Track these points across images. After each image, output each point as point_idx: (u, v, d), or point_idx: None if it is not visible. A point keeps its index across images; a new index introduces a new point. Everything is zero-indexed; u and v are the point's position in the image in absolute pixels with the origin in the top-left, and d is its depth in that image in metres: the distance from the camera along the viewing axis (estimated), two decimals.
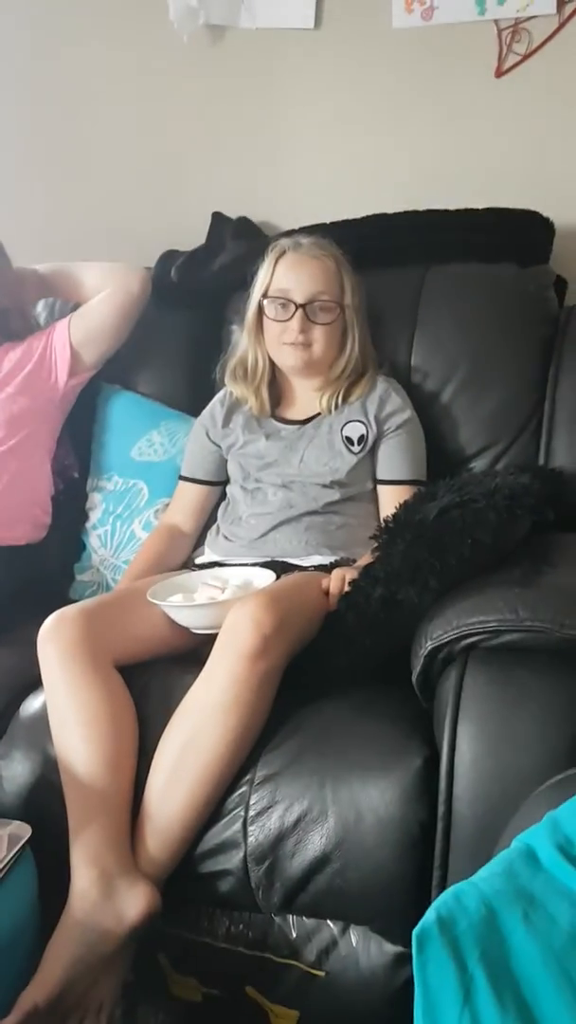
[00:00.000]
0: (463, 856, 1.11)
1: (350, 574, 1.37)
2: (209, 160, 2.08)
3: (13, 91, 2.18)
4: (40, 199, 2.24)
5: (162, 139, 2.11)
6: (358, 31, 1.91)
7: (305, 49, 1.95)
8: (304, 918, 1.26)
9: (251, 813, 1.23)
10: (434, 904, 0.80)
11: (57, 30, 2.12)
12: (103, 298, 1.84)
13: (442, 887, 1.13)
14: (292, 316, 1.61)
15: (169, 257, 1.97)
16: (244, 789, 1.24)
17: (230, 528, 1.67)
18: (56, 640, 1.35)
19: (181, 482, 1.78)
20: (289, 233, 1.77)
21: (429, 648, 1.16)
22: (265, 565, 1.54)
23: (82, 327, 1.83)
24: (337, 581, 1.38)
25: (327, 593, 1.38)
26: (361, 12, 1.89)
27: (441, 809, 1.12)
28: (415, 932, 0.78)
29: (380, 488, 1.64)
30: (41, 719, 1.35)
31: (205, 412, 1.77)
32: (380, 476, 1.64)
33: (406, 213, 1.82)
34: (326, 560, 1.55)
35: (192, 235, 2.00)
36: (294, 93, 1.99)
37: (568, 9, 1.81)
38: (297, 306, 1.61)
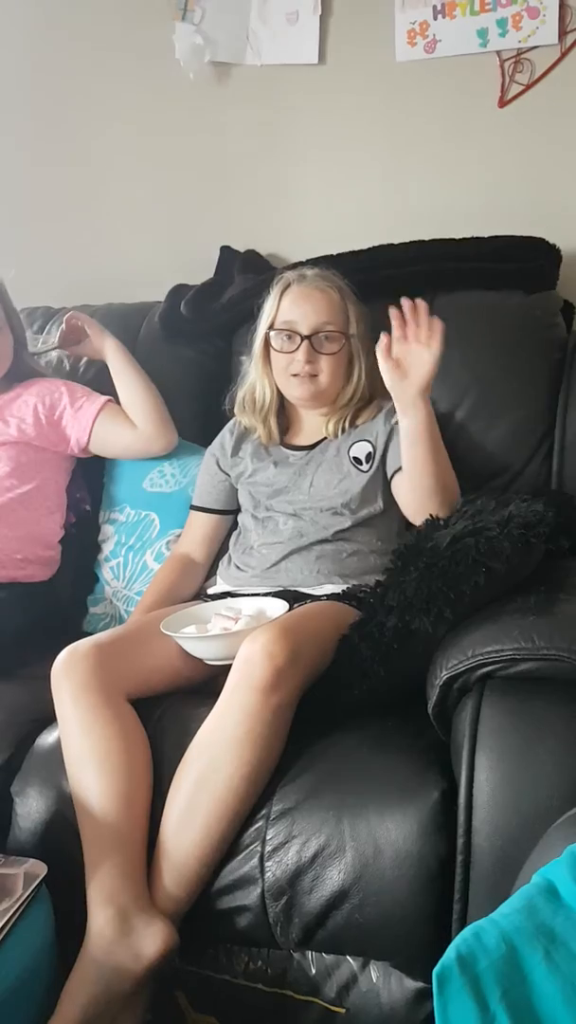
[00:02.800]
0: (483, 890, 1.09)
1: None
2: (217, 194, 2.11)
3: (21, 126, 2.22)
4: (50, 233, 2.27)
5: (170, 174, 2.14)
6: (362, 65, 1.93)
7: (310, 84, 1.98)
8: (323, 954, 1.24)
9: (268, 848, 1.22)
10: (454, 942, 0.79)
11: (65, 67, 2.16)
12: (131, 437, 1.83)
13: (462, 921, 1.11)
14: (298, 347, 1.62)
15: (179, 291, 1.99)
16: (260, 824, 1.23)
17: (242, 557, 1.67)
18: (69, 675, 1.35)
19: (192, 512, 1.78)
20: (295, 265, 1.79)
21: (444, 678, 1.15)
22: (277, 595, 1.53)
23: (101, 439, 1.84)
24: None
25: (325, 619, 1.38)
26: (364, 47, 1.92)
27: (460, 842, 1.10)
28: (435, 971, 0.77)
29: (395, 480, 1.60)
30: (55, 754, 1.35)
31: (215, 442, 1.78)
32: (391, 468, 1.61)
33: (412, 243, 1.83)
34: (338, 589, 1.54)
35: (201, 268, 2.02)
36: (300, 127, 2.02)
37: (569, 39, 1.83)
38: (303, 337, 1.62)
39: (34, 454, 1.81)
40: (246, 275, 1.97)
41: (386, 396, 1.69)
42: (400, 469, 1.58)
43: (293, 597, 1.53)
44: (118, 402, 1.86)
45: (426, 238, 1.83)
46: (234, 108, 2.05)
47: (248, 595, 1.58)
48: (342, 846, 1.18)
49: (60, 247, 2.26)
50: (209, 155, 2.10)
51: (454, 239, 1.81)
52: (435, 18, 1.86)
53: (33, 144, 2.23)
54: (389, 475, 1.62)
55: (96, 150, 2.18)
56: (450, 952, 0.78)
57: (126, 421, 1.83)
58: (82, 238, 2.24)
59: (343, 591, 1.52)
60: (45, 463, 1.83)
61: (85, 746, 1.30)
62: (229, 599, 1.58)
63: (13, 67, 2.20)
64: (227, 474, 1.74)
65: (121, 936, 1.18)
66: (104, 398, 1.86)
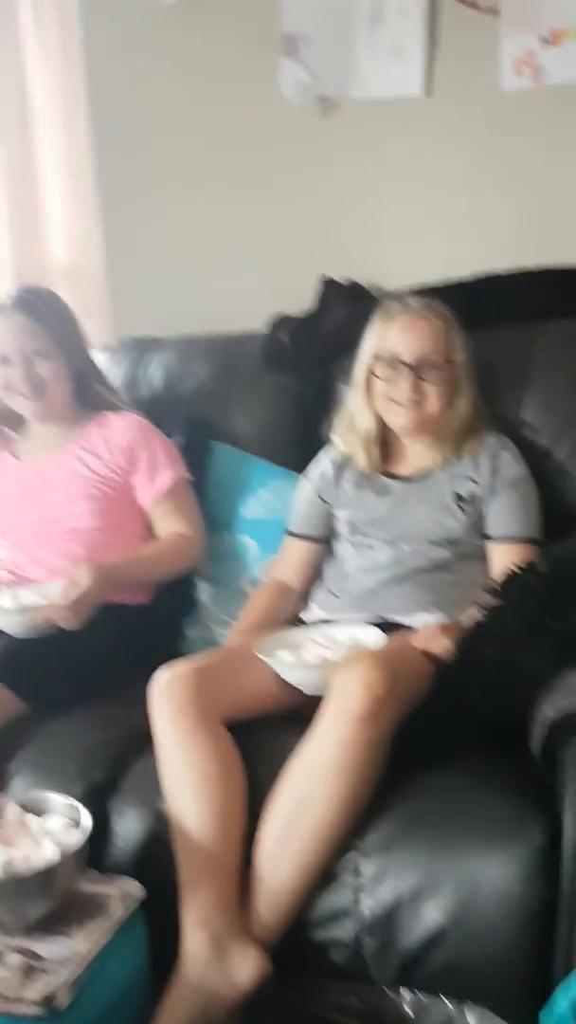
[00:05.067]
0: None
1: (451, 631, 1.35)
2: (319, 225, 2.13)
3: (131, 158, 2.29)
4: (154, 264, 2.33)
5: (272, 205, 2.17)
6: (468, 96, 1.94)
7: (415, 116, 1.99)
8: (418, 993, 1.21)
9: (363, 881, 1.20)
10: (564, 991, 0.76)
11: (175, 102, 2.22)
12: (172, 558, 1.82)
13: (567, 968, 1.07)
14: (402, 376, 1.62)
15: (281, 321, 2.01)
16: (355, 856, 1.22)
17: (337, 584, 1.66)
18: (169, 697, 1.37)
19: (288, 538, 1.79)
20: (398, 295, 1.79)
21: (551, 716, 1.12)
22: (372, 624, 1.52)
23: (154, 517, 1.84)
24: (431, 635, 1.35)
25: (420, 649, 1.35)
26: (470, 77, 1.92)
27: (565, 886, 1.07)
28: (545, 1020, 0.74)
29: (490, 546, 1.61)
30: (153, 775, 1.36)
31: (314, 469, 1.79)
32: (491, 533, 1.61)
33: (517, 272, 1.82)
34: (434, 619, 1.52)
35: (302, 299, 2.04)
36: (404, 159, 2.03)
37: None
38: (407, 367, 1.62)
39: (115, 499, 1.82)
40: (347, 305, 1.98)
41: (491, 427, 1.68)
42: (497, 537, 1.59)
43: (387, 627, 1.51)
44: (191, 479, 1.86)
45: (532, 267, 1.80)
46: (338, 141, 2.08)
47: (343, 623, 1.57)
48: (440, 883, 1.16)
49: (163, 278, 2.32)
50: (312, 187, 2.12)
51: (560, 268, 1.78)
52: (542, 47, 1.85)
53: (140, 176, 2.30)
54: (487, 533, 1.61)
55: (200, 182, 2.24)
56: (560, 1001, 0.75)
57: (178, 519, 1.82)
58: (185, 269, 2.29)
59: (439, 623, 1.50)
60: (127, 505, 1.83)
61: (182, 769, 1.31)
62: (324, 626, 1.57)
63: (125, 102, 2.28)
64: (326, 502, 1.74)
65: (215, 961, 1.18)
66: (177, 477, 1.83)
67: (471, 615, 1.42)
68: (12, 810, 1.28)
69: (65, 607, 1.56)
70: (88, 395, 1.88)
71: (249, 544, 1.90)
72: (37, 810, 1.29)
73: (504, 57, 1.88)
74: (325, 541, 1.76)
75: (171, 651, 1.83)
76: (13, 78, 2.42)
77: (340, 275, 2.06)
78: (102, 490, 1.80)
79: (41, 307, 1.79)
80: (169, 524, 1.83)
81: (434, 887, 1.16)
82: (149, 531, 1.85)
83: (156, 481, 1.81)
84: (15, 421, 1.90)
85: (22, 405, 1.82)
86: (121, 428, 1.83)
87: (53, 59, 2.39)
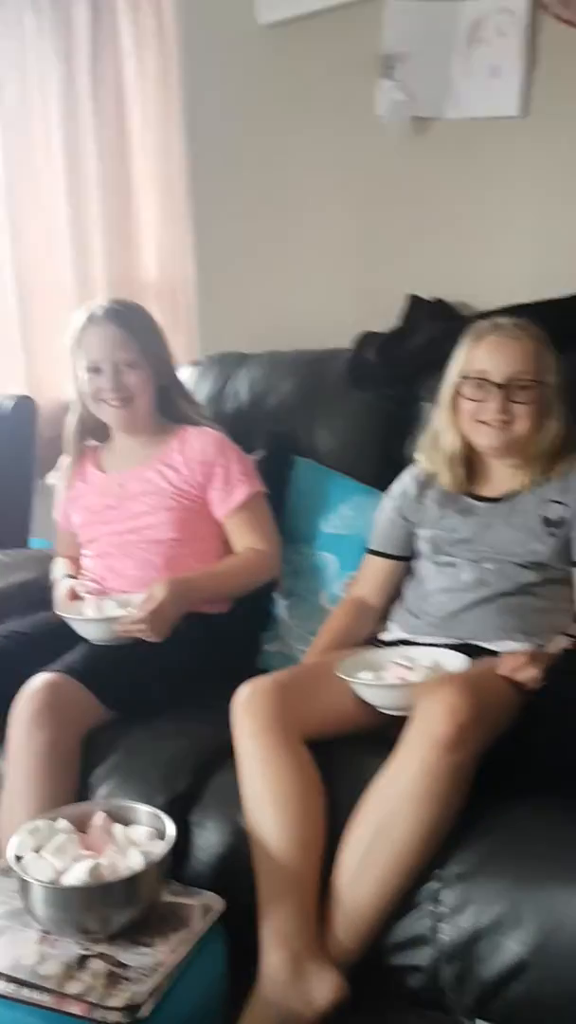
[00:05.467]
0: None
1: (540, 660, 1.33)
2: (407, 243, 2.13)
3: (227, 177, 2.33)
4: (243, 280, 2.36)
5: (363, 223, 2.18)
6: (565, 116, 1.91)
7: (511, 136, 1.98)
8: None
9: (443, 910, 1.20)
10: None
11: (273, 121, 2.25)
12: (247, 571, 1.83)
13: None
14: (491, 396, 1.61)
15: (367, 338, 2.02)
16: (436, 884, 1.22)
17: (417, 604, 1.65)
18: (251, 712, 1.38)
19: (368, 555, 1.78)
20: (488, 315, 1.78)
21: None
22: (455, 647, 1.51)
23: (229, 530, 1.85)
24: (518, 663, 1.33)
25: (506, 677, 1.34)
26: (569, 97, 1.90)
27: None
28: None
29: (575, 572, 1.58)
30: (233, 789, 1.38)
31: (396, 487, 1.78)
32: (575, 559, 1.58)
33: None
34: (521, 646, 1.50)
35: (388, 317, 2.05)
36: (498, 179, 2.01)
37: None
38: (496, 386, 1.60)
39: (189, 503, 1.84)
40: (434, 323, 1.98)
41: None
42: None
43: (471, 651, 1.50)
44: (267, 495, 1.87)
45: None
46: (431, 160, 2.07)
47: (424, 644, 1.56)
48: (521, 916, 1.15)
49: (252, 295, 2.35)
50: (404, 206, 2.12)
51: None
52: None
53: (232, 195, 2.34)
54: (574, 559, 1.58)
55: (293, 201, 2.26)
56: None
57: (253, 533, 1.83)
58: (273, 285, 2.32)
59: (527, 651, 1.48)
60: (204, 519, 1.85)
61: (264, 786, 1.32)
62: (404, 647, 1.57)
63: (220, 122, 2.32)
64: (408, 520, 1.73)
65: (294, 980, 1.19)
66: (253, 491, 1.83)
67: (558, 643, 1.41)
68: (99, 818, 1.30)
69: (142, 620, 1.59)
70: (171, 408, 1.90)
71: (329, 560, 1.91)
72: (123, 819, 1.32)
73: None
74: (406, 560, 1.75)
75: (250, 665, 1.85)
76: (113, 98, 2.49)
77: (428, 294, 2.06)
78: (180, 503, 1.82)
79: (131, 318, 1.83)
80: (244, 538, 1.84)
81: (515, 920, 1.15)
82: (227, 544, 1.87)
83: (231, 496, 1.83)
84: (101, 433, 1.94)
85: (109, 414, 1.85)
86: (199, 444, 1.85)
87: (151, 80, 2.46)
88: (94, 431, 1.94)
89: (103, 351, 1.80)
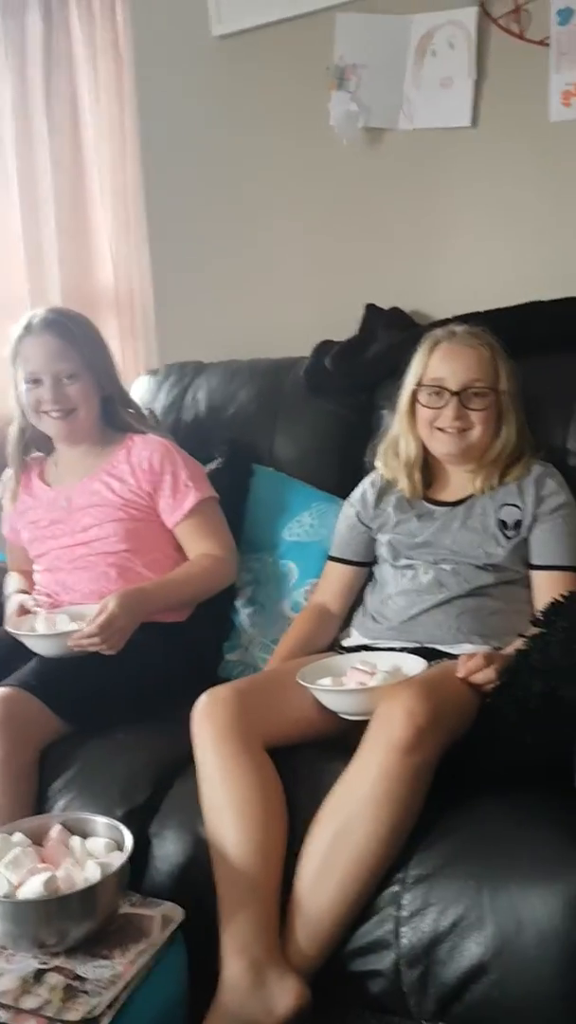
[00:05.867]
0: None
1: (496, 662, 1.34)
2: (363, 253, 2.15)
3: (185, 186, 2.34)
4: (199, 291, 2.36)
5: (319, 234, 2.20)
6: (515, 126, 1.94)
7: (462, 146, 2.00)
8: None
9: (404, 913, 1.20)
10: None
11: (229, 134, 2.26)
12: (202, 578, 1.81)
13: None
14: (447, 404, 1.63)
15: (324, 347, 2.03)
16: (396, 888, 1.22)
17: (378, 608, 1.66)
18: (210, 721, 1.37)
19: (330, 562, 1.79)
20: (443, 323, 1.80)
21: None
22: (414, 651, 1.52)
23: (181, 538, 1.83)
24: (475, 666, 1.34)
25: (464, 679, 1.34)
26: (518, 109, 1.93)
27: None
28: None
29: (534, 574, 1.60)
30: (193, 798, 1.37)
31: (355, 493, 1.79)
32: (534, 561, 1.60)
33: (563, 300, 1.81)
34: (478, 649, 1.51)
35: (346, 325, 2.06)
36: (450, 189, 2.04)
37: None
38: (452, 394, 1.62)
39: (138, 513, 1.82)
40: (391, 331, 2.00)
41: (536, 455, 1.68)
42: (540, 566, 1.58)
43: (429, 654, 1.51)
44: (219, 500, 1.85)
45: None
46: (385, 171, 2.10)
47: (384, 649, 1.57)
48: (482, 918, 1.15)
49: (208, 303, 2.35)
50: (358, 216, 2.15)
51: None
52: None
53: (187, 205, 2.34)
54: (530, 561, 1.61)
55: (248, 211, 2.27)
56: None
57: (206, 539, 1.81)
58: (230, 294, 2.32)
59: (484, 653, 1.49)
60: (153, 529, 1.84)
61: (223, 794, 1.31)
62: (364, 653, 1.57)
63: (174, 132, 2.33)
64: (368, 526, 1.74)
65: (254, 989, 1.18)
66: (202, 497, 1.81)
67: (515, 645, 1.41)
68: (56, 830, 1.29)
69: (95, 634, 1.57)
70: (115, 418, 1.88)
71: (290, 568, 1.91)
72: (81, 831, 1.30)
73: (553, 88, 1.89)
74: (366, 566, 1.76)
75: (211, 673, 1.85)
76: (67, 109, 2.48)
77: (386, 303, 2.08)
78: (129, 513, 1.81)
79: (71, 328, 1.80)
80: (197, 544, 1.82)
81: (475, 922, 1.15)
82: (183, 553, 1.85)
83: (181, 503, 1.81)
84: (45, 445, 1.92)
85: (50, 426, 1.83)
86: (146, 452, 1.83)
87: (105, 91, 2.45)
88: (38, 443, 1.91)
89: (42, 362, 1.77)
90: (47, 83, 2.44)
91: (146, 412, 2.07)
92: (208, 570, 1.80)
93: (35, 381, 1.79)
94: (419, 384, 1.67)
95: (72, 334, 1.79)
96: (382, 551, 1.72)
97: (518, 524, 1.61)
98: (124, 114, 2.46)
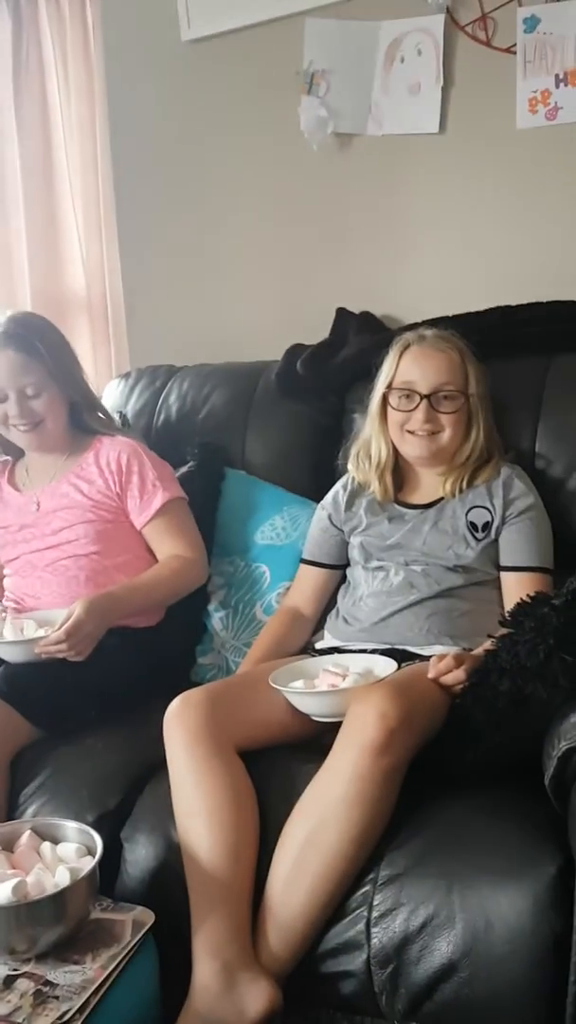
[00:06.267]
0: None
1: (466, 663, 1.35)
2: (334, 257, 2.16)
3: (154, 189, 2.34)
4: (170, 294, 2.36)
5: (290, 239, 2.21)
6: (482, 133, 1.96)
7: (430, 152, 2.02)
8: None
9: (375, 914, 1.20)
10: None
11: (197, 137, 2.27)
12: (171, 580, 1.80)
13: None
14: (417, 407, 1.64)
15: (295, 350, 2.04)
16: (367, 888, 1.22)
17: (350, 610, 1.67)
18: (182, 724, 1.37)
19: (302, 565, 1.80)
20: (413, 327, 1.81)
21: (563, 749, 1.12)
22: (385, 653, 1.53)
23: (150, 538, 1.83)
24: (446, 667, 1.35)
25: (434, 680, 1.36)
26: (485, 115, 1.95)
27: None
28: None
29: (503, 575, 1.62)
30: (165, 802, 1.37)
31: (328, 497, 1.80)
32: (503, 563, 1.62)
33: (530, 304, 1.83)
34: (448, 650, 1.52)
35: (317, 329, 2.07)
36: (419, 194, 2.06)
37: None
38: (422, 397, 1.63)
39: (108, 515, 1.82)
40: (361, 335, 2.01)
41: (505, 457, 1.70)
42: (509, 567, 1.60)
43: (400, 656, 1.52)
44: (187, 500, 1.84)
45: (544, 300, 1.82)
46: (355, 176, 2.11)
47: (355, 651, 1.58)
48: (452, 917, 1.16)
49: (179, 306, 2.36)
50: (328, 221, 2.16)
51: (572, 301, 1.80)
52: (557, 86, 1.88)
53: (159, 208, 2.34)
54: (499, 563, 1.62)
55: (219, 214, 2.28)
56: None
57: (175, 539, 1.81)
58: (201, 298, 2.33)
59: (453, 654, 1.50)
60: (123, 530, 1.83)
61: (195, 797, 1.31)
62: (336, 655, 1.58)
63: (145, 136, 2.33)
64: (339, 529, 1.75)
65: (226, 991, 1.18)
66: (170, 497, 1.81)
67: (485, 646, 1.42)
68: (26, 836, 1.28)
69: (63, 640, 1.56)
70: (83, 423, 1.87)
71: (263, 571, 1.91)
72: (52, 837, 1.30)
73: (520, 95, 1.91)
74: (339, 568, 1.77)
75: (183, 677, 1.84)
76: (37, 110, 2.48)
77: (356, 307, 2.09)
78: (99, 515, 1.80)
79: (32, 340, 1.77)
80: (166, 545, 1.82)
81: (445, 921, 1.16)
82: (153, 554, 1.85)
83: (149, 504, 1.80)
84: (13, 449, 1.91)
85: (18, 438, 1.83)
86: (114, 452, 1.83)
87: (75, 92, 2.45)
88: (6, 447, 1.91)
89: (5, 379, 1.76)
90: (16, 84, 2.44)
91: (116, 415, 2.07)
92: (178, 572, 1.79)
93: (1, 397, 1.78)
94: (389, 387, 1.68)
95: (34, 347, 1.76)
96: (354, 553, 1.73)
97: (487, 526, 1.62)
98: (94, 116, 2.46)
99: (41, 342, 1.78)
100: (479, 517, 1.63)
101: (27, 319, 1.86)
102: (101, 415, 1.92)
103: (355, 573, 1.72)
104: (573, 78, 1.86)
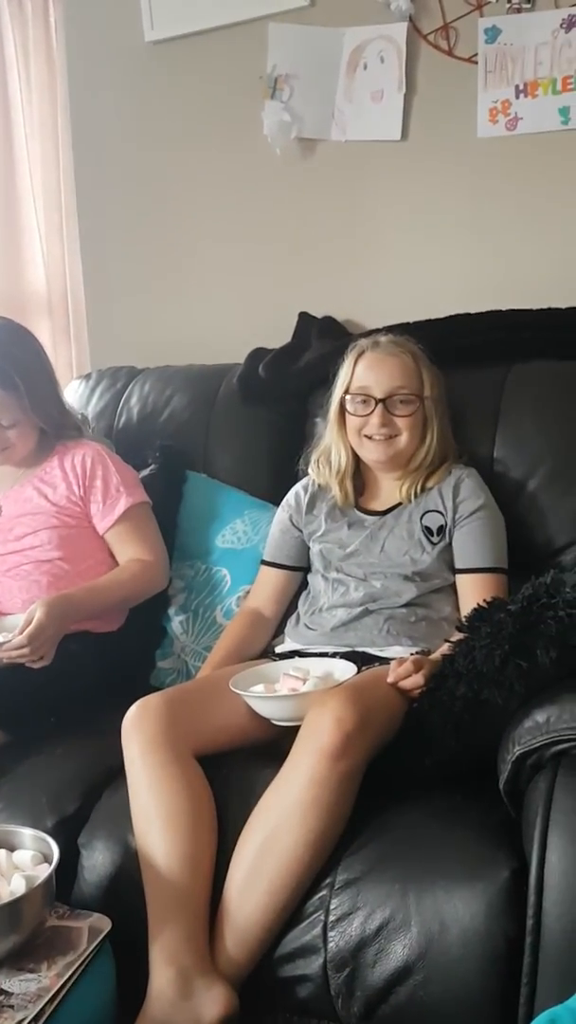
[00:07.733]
0: (552, 973, 1.07)
1: (426, 667, 1.36)
2: (297, 262, 2.17)
3: (114, 193, 2.33)
4: (133, 296, 2.35)
5: (253, 242, 2.21)
6: (443, 141, 1.98)
7: (392, 159, 2.04)
8: None
9: (331, 918, 1.21)
10: None
11: (158, 140, 2.26)
12: (129, 584, 1.79)
13: (530, 1005, 1.08)
14: (373, 411, 1.65)
15: (257, 354, 2.04)
16: (324, 893, 1.23)
17: (311, 618, 1.68)
18: (139, 730, 1.37)
19: (263, 567, 1.80)
20: (369, 333, 1.83)
21: (517, 754, 1.14)
22: (345, 656, 1.54)
23: (112, 543, 1.83)
24: (405, 671, 1.36)
25: (393, 684, 1.37)
26: (447, 124, 1.97)
27: (529, 923, 1.08)
28: None
29: (458, 577, 1.63)
30: (122, 808, 1.36)
31: (288, 497, 1.80)
32: (457, 565, 1.63)
33: (488, 312, 1.85)
34: (407, 651, 1.54)
35: (279, 333, 2.08)
36: (381, 200, 2.07)
37: None
38: (377, 401, 1.65)
39: (72, 520, 1.81)
40: (323, 340, 2.02)
41: (458, 460, 1.71)
42: (466, 570, 1.61)
43: (361, 658, 1.53)
44: (151, 505, 1.84)
45: (503, 308, 1.84)
46: (317, 181, 2.12)
47: (316, 655, 1.58)
48: (407, 920, 1.16)
49: (141, 308, 2.35)
50: (291, 225, 2.16)
51: (531, 309, 1.82)
52: (517, 97, 1.90)
53: (121, 210, 2.33)
54: (456, 566, 1.64)
55: (181, 216, 2.27)
56: None
57: (136, 544, 1.81)
58: (163, 300, 2.32)
59: (412, 654, 1.51)
60: (86, 534, 1.83)
61: (152, 803, 1.31)
62: (297, 659, 1.58)
63: (107, 137, 2.31)
64: (300, 530, 1.76)
65: (182, 998, 1.18)
66: (133, 502, 1.80)
67: (442, 650, 1.44)
68: None
69: (24, 645, 1.54)
70: (52, 433, 1.86)
71: (223, 574, 1.91)
72: (8, 844, 1.28)
73: (481, 105, 1.93)
74: (299, 570, 1.77)
75: (143, 682, 1.84)
76: None
77: (319, 311, 2.10)
78: (63, 520, 1.79)
79: (10, 373, 1.72)
80: (127, 550, 1.81)
81: (401, 924, 1.17)
82: (115, 559, 1.84)
83: (112, 508, 1.80)
84: None
85: None
86: (78, 456, 1.82)
87: (37, 92, 2.43)
88: None
89: None
90: None
91: (79, 416, 2.05)
92: (137, 575, 1.79)
93: None
94: (346, 393, 1.69)
95: (11, 382, 1.73)
96: (314, 560, 1.73)
97: (442, 529, 1.64)
98: (56, 115, 2.44)
99: (19, 373, 1.74)
100: (433, 521, 1.65)
101: (8, 344, 1.78)
102: (70, 422, 1.90)
103: (315, 581, 1.72)
104: (533, 89, 1.89)
